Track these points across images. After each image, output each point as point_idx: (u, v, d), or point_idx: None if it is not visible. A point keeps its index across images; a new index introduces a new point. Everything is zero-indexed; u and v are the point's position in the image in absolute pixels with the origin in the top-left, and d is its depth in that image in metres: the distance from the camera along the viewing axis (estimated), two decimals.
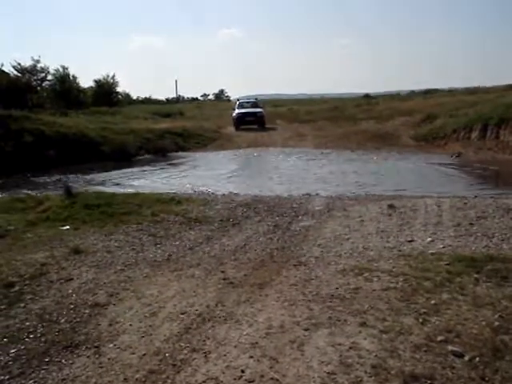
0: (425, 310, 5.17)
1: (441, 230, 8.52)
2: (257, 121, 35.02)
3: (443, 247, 7.49)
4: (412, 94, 62.78)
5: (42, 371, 4.36)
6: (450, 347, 4.39)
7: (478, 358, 4.21)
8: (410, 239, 8.02)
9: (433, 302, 5.39)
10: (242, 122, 34.67)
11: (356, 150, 25.06)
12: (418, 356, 4.29)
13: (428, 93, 59.46)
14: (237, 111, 35.87)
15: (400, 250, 7.46)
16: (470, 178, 16.83)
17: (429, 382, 3.93)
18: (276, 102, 60.55)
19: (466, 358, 4.23)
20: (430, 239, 7.94)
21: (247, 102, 38.47)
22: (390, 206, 10.22)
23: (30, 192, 13.82)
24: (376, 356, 4.30)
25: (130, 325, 5.18)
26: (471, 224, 8.75)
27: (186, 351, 4.57)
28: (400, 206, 10.36)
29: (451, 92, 54.01)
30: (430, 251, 7.31)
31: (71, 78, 45.54)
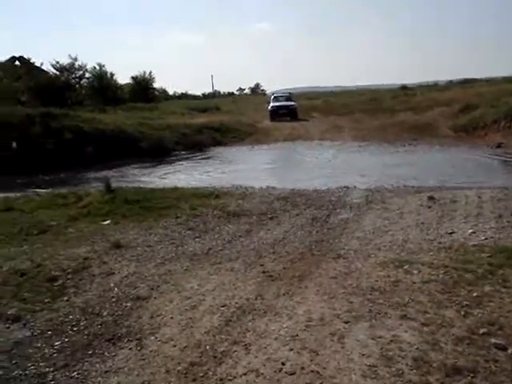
0: (467, 303, 5.12)
1: (482, 221, 8.39)
2: (289, 113, 36.98)
3: (485, 239, 7.39)
4: (450, 84, 61.92)
5: (86, 363, 4.45)
6: (492, 340, 4.34)
7: None
8: (450, 231, 7.93)
9: (475, 294, 5.33)
10: (276, 114, 36.76)
11: (394, 141, 24.81)
12: (460, 349, 4.25)
13: (466, 82, 58.54)
14: (271, 104, 38.03)
15: (440, 242, 7.38)
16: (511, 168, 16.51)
17: (471, 375, 3.89)
18: (311, 95, 60.40)
19: (510, 351, 4.18)
20: (470, 231, 7.84)
21: (281, 96, 41.00)
22: (430, 198, 10.11)
23: (70, 188, 14.05)
24: (417, 349, 4.27)
25: (171, 317, 5.25)
26: None
27: (226, 343, 4.60)
28: (440, 197, 10.23)
29: (490, 81, 53.04)
30: (471, 243, 7.22)
31: (108, 75, 46.14)
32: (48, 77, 38.10)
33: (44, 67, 42.11)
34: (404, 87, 62.88)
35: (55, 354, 4.62)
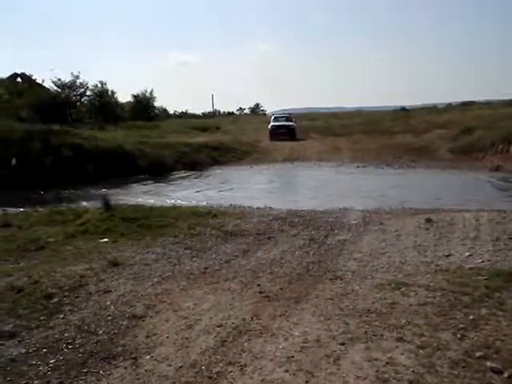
0: (463, 326, 5.11)
1: (479, 244, 8.39)
2: (288, 133, 38.17)
3: (482, 262, 7.38)
4: (449, 107, 62.19)
5: (81, 382, 4.42)
6: (488, 363, 4.32)
7: None
8: (447, 253, 7.93)
9: (471, 317, 5.32)
10: (275, 133, 37.89)
11: (392, 163, 24.89)
12: (456, 372, 4.23)
13: (465, 105, 58.83)
14: (271, 124, 39.41)
15: (437, 265, 7.37)
16: (509, 191, 16.56)
17: None
18: (311, 116, 60.59)
19: (505, 375, 4.16)
20: (468, 253, 7.83)
21: (281, 117, 42.81)
22: (428, 220, 10.11)
23: (69, 205, 14.07)
24: (413, 372, 4.26)
25: (167, 337, 5.23)
26: (510, 238, 8.59)
27: (221, 364, 4.58)
28: (437, 219, 10.23)
29: (488, 104, 53.32)
30: (468, 266, 7.21)
31: (109, 93, 46.27)
32: (49, 94, 38.27)
33: (45, 84, 42.35)
34: (403, 109, 63.15)
35: (50, 372, 4.59)
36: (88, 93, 45.27)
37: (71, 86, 43.32)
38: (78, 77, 43.59)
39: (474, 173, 21.00)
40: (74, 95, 43.74)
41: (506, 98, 52.37)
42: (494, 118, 30.77)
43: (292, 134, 38.15)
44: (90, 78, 75.21)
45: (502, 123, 27.49)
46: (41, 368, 4.66)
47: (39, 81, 42.60)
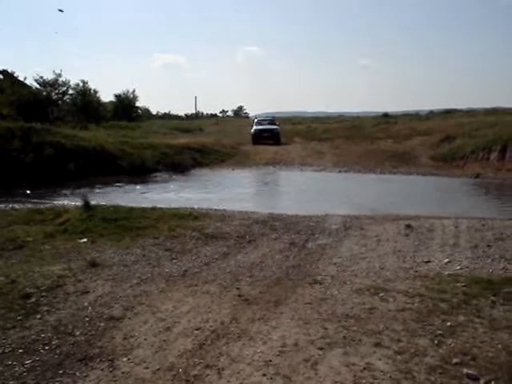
0: (440, 332, 5.14)
1: (458, 251, 8.45)
2: (273, 137, 36.82)
3: (460, 269, 7.44)
4: (431, 114, 62.50)
5: (56, 383, 4.38)
6: (465, 370, 4.35)
7: (493, 382, 4.17)
8: (426, 260, 7.98)
9: (449, 323, 5.35)
10: (259, 137, 36.54)
11: (374, 169, 25.00)
12: (433, 378, 4.25)
13: (447, 113, 59.15)
14: (255, 127, 37.89)
15: (416, 271, 7.42)
16: (488, 199, 16.71)
17: None
18: (294, 120, 60.54)
19: (482, 382, 4.19)
20: (446, 260, 7.89)
21: (265, 120, 41.14)
22: (407, 226, 10.17)
23: (48, 204, 13.94)
24: (390, 377, 4.27)
25: (145, 339, 5.19)
26: (489, 246, 8.67)
27: (199, 367, 4.56)
28: (417, 226, 10.30)
29: (470, 112, 53.69)
30: (447, 272, 7.26)
31: (92, 92, 45.99)
32: (30, 91, 37.95)
33: (27, 82, 42.05)
34: (386, 115, 63.29)
35: (25, 373, 4.54)
36: (70, 91, 45.01)
37: (53, 84, 43.01)
38: (60, 75, 43.36)
39: (455, 180, 21.18)
40: (56, 93, 43.43)
41: (488, 106, 52.84)
42: (476, 126, 31.05)
43: (277, 138, 36.72)
44: (74, 78, 74.85)
45: (482, 131, 27.80)
46: (16, 368, 4.61)
47: (21, 78, 42.36)
